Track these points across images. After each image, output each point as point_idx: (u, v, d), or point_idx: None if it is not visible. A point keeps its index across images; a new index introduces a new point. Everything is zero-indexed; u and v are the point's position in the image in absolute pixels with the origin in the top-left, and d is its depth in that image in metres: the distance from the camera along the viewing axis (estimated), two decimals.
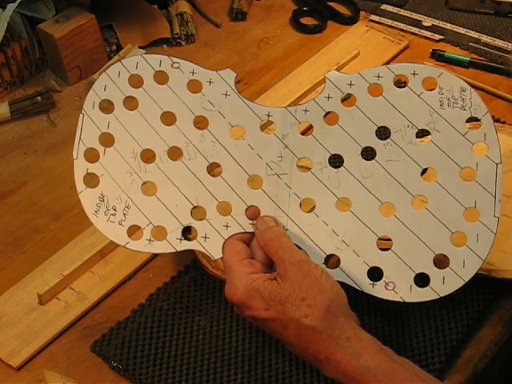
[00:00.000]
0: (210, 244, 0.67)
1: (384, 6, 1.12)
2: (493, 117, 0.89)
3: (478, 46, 1.03)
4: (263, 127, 0.69)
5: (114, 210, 0.67)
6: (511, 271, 0.72)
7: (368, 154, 0.67)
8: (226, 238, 0.66)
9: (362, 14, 1.11)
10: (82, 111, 0.70)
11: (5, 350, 0.70)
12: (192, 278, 0.74)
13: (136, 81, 0.69)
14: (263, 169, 0.68)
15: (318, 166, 0.67)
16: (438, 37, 1.05)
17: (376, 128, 0.68)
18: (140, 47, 1.06)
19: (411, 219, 0.66)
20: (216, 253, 0.66)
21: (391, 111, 0.68)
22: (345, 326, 0.60)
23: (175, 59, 0.70)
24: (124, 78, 0.69)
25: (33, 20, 1.02)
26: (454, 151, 0.67)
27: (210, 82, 0.69)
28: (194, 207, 0.67)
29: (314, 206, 0.67)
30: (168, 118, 0.69)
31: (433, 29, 1.07)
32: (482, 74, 0.98)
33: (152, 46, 1.08)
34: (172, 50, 1.08)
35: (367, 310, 0.71)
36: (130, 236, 0.67)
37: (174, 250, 0.67)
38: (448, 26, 1.07)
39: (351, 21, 1.10)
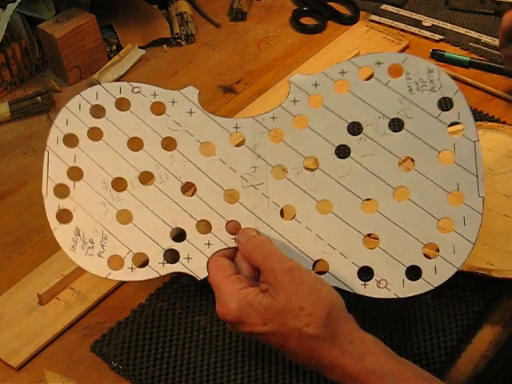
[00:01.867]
0: (194, 264, 0.66)
1: (384, 6, 1.12)
2: (492, 116, 0.90)
3: (477, 45, 1.03)
4: (233, 140, 0.68)
5: (92, 242, 0.67)
6: (511, 271, 0.72)
7: (342, 152, 0.66)
8: (209, 256, 0.66)
9: (362, 13, 1.11)
10: (47, 148, 0.69)
11: (5, 350, 0.70)
12: (192, 277, 0.74)
13: (98, 111, 0.69)
14: (238, 182, 0.67)
15: (294, 171, 0.66)
16: (438, 37, 1.05)
17: (347, 124, 0.66)
18: (140, 47, 1.06)
19: (395, 212, 0.65)
20: (201, 272, 0.66)
21: (360, 105, 0.66)
22: (347, 329, 0.59)
23: (135, 84, 0.69)
24: (85, 109, 0.69)
25: (33, 20, 1.02)
26: (429, 136, 0.65)
27: (173, 102, 0.68)
28: (173, 229, 0.67)
29: (295, 213, 0.66)
30: (135, 144, 0.68)
31: (433, 29, 1.07)
32: (482, 74, 0.98)
33: (152, 45, 1.08)
34: (172, 49, 1.08)
35: (368, 310, 0.71)
36: (111, 267, 0.67)
37: (157, 275, 0.66)
38: (448, 25, 1.07)
39: (351, 21, 1.10)
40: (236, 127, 0.68)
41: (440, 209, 0.64)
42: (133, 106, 0.68)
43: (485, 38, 1.04)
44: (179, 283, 0.74)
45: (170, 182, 0.67)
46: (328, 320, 0.59)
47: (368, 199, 0.65)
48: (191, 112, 0.68)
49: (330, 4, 1.13)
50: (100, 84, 0.69)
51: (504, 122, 0.89)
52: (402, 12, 1.11)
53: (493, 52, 1.02)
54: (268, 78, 1.01)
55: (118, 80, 1.02)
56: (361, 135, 0.66)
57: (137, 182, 0.67)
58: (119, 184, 0.68)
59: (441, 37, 1.05)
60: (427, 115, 0.65)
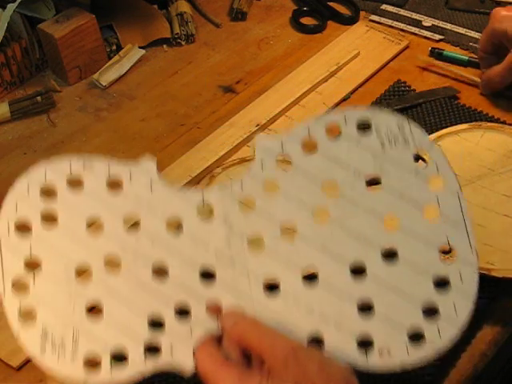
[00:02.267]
0: (179, 355, 0.59)
1: (384, 6, 1.12)
2: (492, 116, 0.90)
3: (478, 45, 1.03)
4: (201, 212, 0.63)
5: (62, 344, 0.59)
6: (511, 270, 0.72)
7: (320, 215, 0.61)
8: (193, 343, 0.59)
9: (362, 13, 1.11)
10: None
11: (5, 350, 0.70)
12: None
13: (48, 192, 0.62)
14: (213, 256, 0.61)
15: (271, 239, 0.61)
16: (438, 37, 1.05)
17: (321, 184, 0.62)
18: (140, 47, 1.06)
19: (386, 274, 0.60)
20: (188, 364, 0.59)
21: (332, 164, 0.62)
22: None
23: (87, 160, 0.63)
24: (35, 191, 0.62)
25: (33, 20, 1.02)
26: (409, 191, 0.61)
27: (131, 177, 0.62)
28: (150, 317, 0.60)
29: (279, 286, 0.60)
30: (95, 226, 0.62)
31: (433, 29, 1.06)
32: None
33: (152, 45, 1.08)
34: (172, 49, 1.08)
35: None
36: (88, 369, 0.59)
37: (141, 373, 0.59)
38: (448, 25, 1.07)
39: (351, 21, 1.10)
40: (203, 198, 0.62)
41: (433, 267, 0.60)
42: (86, 184, 0.62)
43: None
44: None
45: (139, 266, 0.61)
46: None
47: (355, 264, 0.60)
48: (151, 186, 0.62)
49: (330, 4, 1.13)
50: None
51: (504, 122, 0.89)
52: (402, 12, 1.10)
53: None
54: (268, 78, 1.01)
55: (118, 79, 1.02)
56: (337, 195, 0.62)
57: (102, 269, 0.61)
58: (83, 273, 0.61)
59: (441, 37, 1.05)
60: (404, 170, 0.62)
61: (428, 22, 1.08)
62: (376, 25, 1.09)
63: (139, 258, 0.61)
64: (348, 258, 0.61)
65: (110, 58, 1.04)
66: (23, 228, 0.62)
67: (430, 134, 0.84)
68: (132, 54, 1.04)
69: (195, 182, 0.85)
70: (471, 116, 0.90)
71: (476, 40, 1.04)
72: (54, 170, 0.63)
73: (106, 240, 0.62)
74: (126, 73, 1.03)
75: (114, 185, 0.63)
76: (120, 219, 0.62)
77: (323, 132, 0.63)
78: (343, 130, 0.63)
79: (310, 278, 0.61)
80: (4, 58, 0.98)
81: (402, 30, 1.07)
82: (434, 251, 0.61)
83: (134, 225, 0.63)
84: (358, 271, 0.61)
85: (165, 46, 1.09)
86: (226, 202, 0.62)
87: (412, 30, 1.07)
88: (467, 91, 0.94)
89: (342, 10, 1.12)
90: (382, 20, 1.09)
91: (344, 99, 0.95)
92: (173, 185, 0.64)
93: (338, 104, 0.95)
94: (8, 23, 0.97)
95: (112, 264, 0.61)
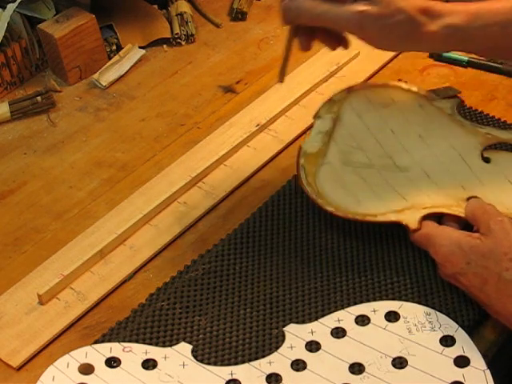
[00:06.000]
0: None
1: None
2: (493, 117, 0.90)
3: None
4: None
5: None
6: None
7: None
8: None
9: None
10: None
11: (5, 350, 0.70)
12: (192, 277, 0.74)
13: (87, 368, 0.66)
14: None
15: None
16: None
17: (348, 365, 0.65)
18: (140, 47, 1.06)
19: None
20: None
21: (360, 348, 0.66)
22: None
23: (126, 344, 0.68)
24: (73, 367, 0.66)
25: (33, 20, 1.02)
26: (435, 370, 0.64)
27: (166, 358, 0.67)
28: None
29: None
30: None
31: None
32: (482, 73, 0.98)
33: (152, 45, 1.08)
34: (172, 49, 1.08)
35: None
36: None
37: None
38: None
39: None
40: (231, 373, 0.66)
41: None
42: (123, 363, 0.67)
43: None
44: (179, 283, 0.74)
45: None
46: None
47: None
48: (184, 365, 0.66)
49: None
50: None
51: (504, 122, 0.89)
52: None
53: None
54: (268, 78, 1.01)
55: (118, 79, 1.02)
56: (364, 374, 0.65)
57: None
58: None
59: None
60: (431, 352, 0.66)
61: None
62: None
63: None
64: None
65: (110, 58, 1.04)
66: None
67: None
68: (132, 54, 1.04)
69: (195, 181, 0.85)
70: (471, 116, 0.90)
71: None
72: (94, 352, 0.67)
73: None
74: (126, 73, 1.03)
75: (149, 363, 0.67)
76: None
77: (352, 320, 0.68)
78: (372, 319, 0.69)
79: None
80: (4, 58, 0.98)
81: None
82: None
83: None
84: None
85: (165, 46, 1.09)
86: (252, 376, 0.65)
87: None
88: (467, 91, 0.94)
89: None
90: None
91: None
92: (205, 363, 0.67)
93: None
94: (8, 23, 0.97)
95: None
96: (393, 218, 0.74)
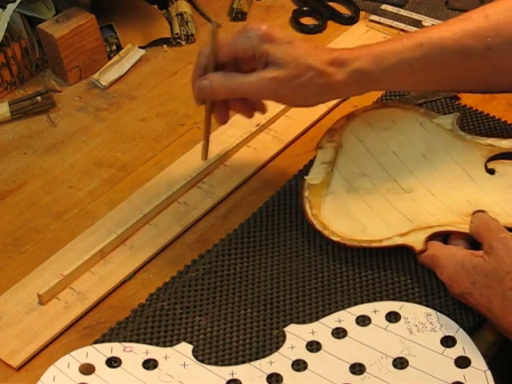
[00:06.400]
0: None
1: (384, 6, 1.12)
2: (493, 116, 0.90)
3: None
4: None
5: None
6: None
7: None
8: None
9: (362, 13, 1.11)
10: None
11: (5, 350, 0.70)
12: (192, 277, 0.74)
13: (87, 368, 0.67)
14: None
15: None
16: None
17: (349, 365, 0.65)
18: (140, 47, 1.06)
19: None
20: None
21: (361, 348, 0.67)
22: None
23: (127, 344, 0.68)
24: (74, 367, 0.66)
25: (33, 20, 1.02)
26: (435, 370, 0.65)
27: (166, 358, 0.67)
28: None
29: None
30: None
31: None
32: None
33: (152, 45, 1.08)
34: (172, 49, 1.08)
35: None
36: None
37: None
38: None
39: (351, 21, 1.10)
40: (232, 373, 0.66)
41: None
42: (124, 363, 0.67)
43: None
44: (179, 283, 0.74)
45: None
46: None
47: None
48: (184, 365, 0.67)
49: (330, 4, 1.13)
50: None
51: (504, 122, 0.89)
52: (402, 12, 1.11)
53: None
54: None
55: (118, 79, 1.02)
56: (365, 374, 0.65)
57: None
58: None
59: None
60: (431, 352, 0.66)
61: (428, 22, 1.08)
62: (376, 25, 1.09)
63: None
64: None
65: (110, 58, 1.04)
66: None
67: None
68: (132, 54, 1.04)
69: (195, 181, 0.85)
70: (471, 116, 0.90)
71: None
72: (95, 352, 0.67)
73: None
74: (126, 73, 1.03)
75: (150, 363, 0.67)
76: None
77: (352, 321, 0.69)
78: (372, 319, 0.69)
79: None
80: (4, 57, 0.98)
81: (402, 30, 1.07)
82: None
83: None
84: None
85: (165, 46, 1.09)
86: (253, 376, 0.65)
87: (412, 30, 1.07)
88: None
89: (342, 10, 1.12)
90: (382, 20, 1.09)
91: (344, 99, 0.95)
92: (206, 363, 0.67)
93: (337, 104, 0.94)
94: (8, 23, 0.97)
95: None
96: (398, 241, 0.74)
